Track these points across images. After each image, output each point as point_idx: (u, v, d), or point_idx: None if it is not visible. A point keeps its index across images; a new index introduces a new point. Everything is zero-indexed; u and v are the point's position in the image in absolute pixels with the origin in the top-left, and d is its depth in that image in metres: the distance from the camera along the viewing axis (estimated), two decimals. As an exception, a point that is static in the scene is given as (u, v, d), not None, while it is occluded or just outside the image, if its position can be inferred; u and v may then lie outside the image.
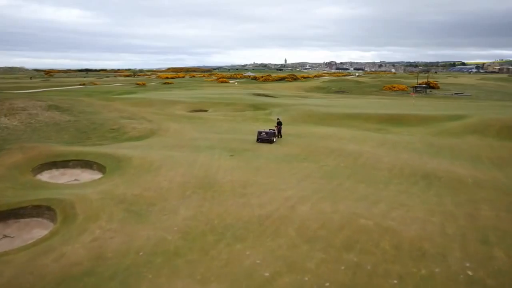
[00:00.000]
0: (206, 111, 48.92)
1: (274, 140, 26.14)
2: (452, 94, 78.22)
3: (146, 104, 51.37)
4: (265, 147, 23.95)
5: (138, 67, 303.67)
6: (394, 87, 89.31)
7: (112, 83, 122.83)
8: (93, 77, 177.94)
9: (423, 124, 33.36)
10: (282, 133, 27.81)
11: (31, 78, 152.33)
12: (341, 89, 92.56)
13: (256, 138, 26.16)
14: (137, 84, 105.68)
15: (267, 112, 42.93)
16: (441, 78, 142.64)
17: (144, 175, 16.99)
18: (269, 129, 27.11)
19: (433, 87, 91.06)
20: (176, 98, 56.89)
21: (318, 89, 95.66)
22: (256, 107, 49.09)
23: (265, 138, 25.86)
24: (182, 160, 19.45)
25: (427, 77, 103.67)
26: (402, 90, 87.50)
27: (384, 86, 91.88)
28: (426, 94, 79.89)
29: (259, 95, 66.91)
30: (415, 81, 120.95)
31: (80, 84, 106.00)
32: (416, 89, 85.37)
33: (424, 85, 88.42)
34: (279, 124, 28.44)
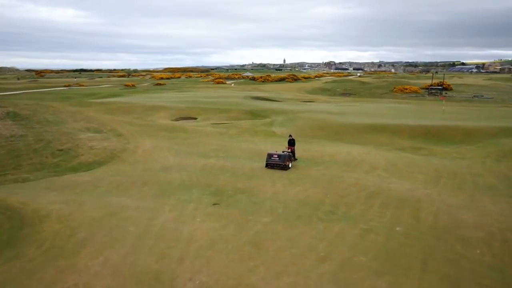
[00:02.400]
0: (194, 119, 41.12)
1: (290, 165, 18.79)
2: (471, 97, 70.55)
3: (125, 110, 43.53)
4: (267, 183, 16.12)
5: (136, 67, 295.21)
6: (406, 89, 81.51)
7: (101, 84, 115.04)
8: (85, 77, 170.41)
9: (472, 141, 25.61)
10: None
11: (18, 79, 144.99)
12: (347, 91, 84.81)
13: (265, 163, 19.10)
14: (126, 85, 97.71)
15: (267, 121, 35.10)
16: (445, 79, 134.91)
17: (46, 267, 9.12)
18: (283, 151, 19.69)
19: (446, 89, 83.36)
20: (162, 103, 49.06)
21: (322, 90, 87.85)
22: (254, 114, 41.29)
23: (277, 163, 18.63)
24: (130, 221, 11.59)
25: (443, 78, 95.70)
26: (415, 92, 79.72)
27: (394, 88, 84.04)
28: (443, 96, 72.09)
29: (257, 98, 59.10)
30: (422, 81, 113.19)
31: (65, 86, 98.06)
32: (431, 90, 77.64)
33: (439, 87, 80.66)
34: (292, 143, 20.87)
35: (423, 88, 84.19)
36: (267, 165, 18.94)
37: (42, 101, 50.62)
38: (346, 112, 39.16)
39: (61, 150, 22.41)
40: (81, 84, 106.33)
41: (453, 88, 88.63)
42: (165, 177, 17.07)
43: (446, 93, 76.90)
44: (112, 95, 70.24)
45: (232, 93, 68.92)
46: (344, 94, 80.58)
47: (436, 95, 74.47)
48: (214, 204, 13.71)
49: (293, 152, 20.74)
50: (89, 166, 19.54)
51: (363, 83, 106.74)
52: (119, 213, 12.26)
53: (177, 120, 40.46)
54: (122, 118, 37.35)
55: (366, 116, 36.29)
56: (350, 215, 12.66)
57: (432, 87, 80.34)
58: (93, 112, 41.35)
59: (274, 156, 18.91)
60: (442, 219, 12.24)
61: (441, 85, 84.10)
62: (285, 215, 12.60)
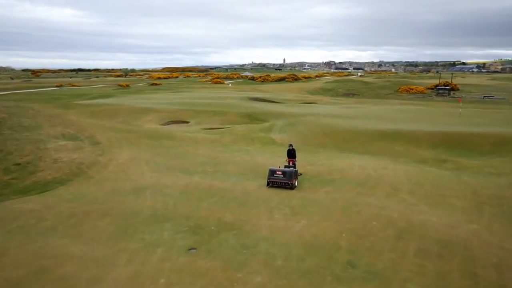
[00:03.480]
0: (186, 122, 37.52)
1: (296, 184, 15.58)
2: (482, 98, 66.88)
3: (110, 113, 39.95)
4: (263, 213, 12.54)
5: (136, 67, 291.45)
6: (412, 89, 77.89)
7: (95, 84, 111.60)
8: (81, 77, 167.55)
9: (504, 151, 21.99)
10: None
11: (12, 78, 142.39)
12: (350, 91, 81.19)
13: (266, 181, 15.87)
14: (120, 85, 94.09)
15: (266, 126, 31.48)
16: (448, 79, 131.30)
17: None
18: (285, 166, 16.78)
19: (453, 89, 79.67)
20: (153, 105, 45.47)
21: (324, 91, 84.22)
22: (251, 117, 37.71)
23: (281, 182, 15.38)
24: None
25: (451, 78, 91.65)
26: (421, 92, 76.10)
27: (399, 88, 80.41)
28: (452, 97, 68.57)
29: (256, 99, 55.48)
30: (425, 81, 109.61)
31: (56, 86, 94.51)
32: (438, 91, 74.01)
33: (447, 87, 76.97)
34: (292, 155, 17.67)
35: (429, 88, 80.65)
36: (268, 184, 15.66)
37: (27, 102, 47.19)
38: (353, 116, 35.53)
39: (18, 164, 18.78)
40: (73, 84, 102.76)
41: (459, 88, 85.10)
42: (133, 203, 13.45)
43: (454, 94, 73.32)
44: (103, 96, 66.70)
45: (229, 94, 65.34)
46: (347, 94, 76.98)
47: (444, 95, 70.90)
48: (190, 249, 10.11)
49: (294, 165, 17.42)
50: (44, 187, 15.91)
51: (366, 83, 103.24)
52: (51, 270, 8.64)
53: (166, 124, 36.88)
54: (105, 122, 33.77)
55: (375, 120, 32.67)
56: (377, 270, 9.04)
57: (440, 87, 76.66)
58: (75, 115, 37.81)
59: (277, 172, 15.53)
60: (510, 279, 8.62)
61: (447, 85, 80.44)
62: (286, 270, 8.98)
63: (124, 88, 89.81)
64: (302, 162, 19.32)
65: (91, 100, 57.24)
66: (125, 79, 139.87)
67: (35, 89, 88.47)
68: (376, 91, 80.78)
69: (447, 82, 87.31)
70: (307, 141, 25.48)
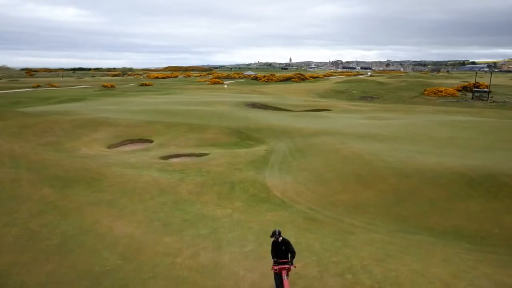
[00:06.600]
0: (148, 142, 26.23)
1: None
2: (532, 102, 54.80)
3: (45, 127, 28.73)
4: None
5: (141, 66, 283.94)
6: (440, 91, 65.67)
7: (79, 84, 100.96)
8: (76, 76, 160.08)
9: None
10: None
11: (1, 78, 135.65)
12: (367, 94, 69.22)
13: None
14: (104, 86, 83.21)
15: (259, 154, 20.01)
16: (463, 78, 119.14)
17: None
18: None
19: (488, 90, 67.43)
20: (115, 114, 34.26)
21: (336, 93, 72.39)
22: (241, 135, 26.35)
23: None
24: None
25: (490, 78, 78.60)
26: (452, 95, 64.02)
27: (425, 90, 68.22)
28: (494, 101, 56.49)
29: (254, 105, 44.02)
30: (443, 81, 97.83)
31: (33, 86, 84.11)
32: (475, 94, 61.97)
33: (484, 89, 64.80)
34: (281, 252, 7.21)
35: (457, 90, 68.60)
36: None
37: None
38: (393, 136, 23.85)
39: None
40: (53, 84, 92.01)
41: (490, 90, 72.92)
42: None
43: (492, 97, 61.27)
44: (74, 99, 55.76)
45: (223, 98, 53.84)
46: (365, 98, 65.12)
47: (483, 99, 58.81)
48: None
49: (287, 274, 6.61)
50: None
51: (381, 83, 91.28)
52: None
53: (119, 145, 25.62)
54: (21, 145, 22.72)
55: (431, 145, 20.99)
56: None
57: (476, 89, 64.52)
58: (-4, 130, 26.88)
59: None
60: None
61: (477, 86, 68.05)
62: None
63: (108, 89, 78.97)
64: (325, 277, 7.96)
65: (52, 105, 46.30)
66: (119, 78, 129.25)
67: (10, 90, 78.34)
68: (398, 94, 68.78)
69: (477, 83, 75.05)
70: (327, 194, 14.03)
